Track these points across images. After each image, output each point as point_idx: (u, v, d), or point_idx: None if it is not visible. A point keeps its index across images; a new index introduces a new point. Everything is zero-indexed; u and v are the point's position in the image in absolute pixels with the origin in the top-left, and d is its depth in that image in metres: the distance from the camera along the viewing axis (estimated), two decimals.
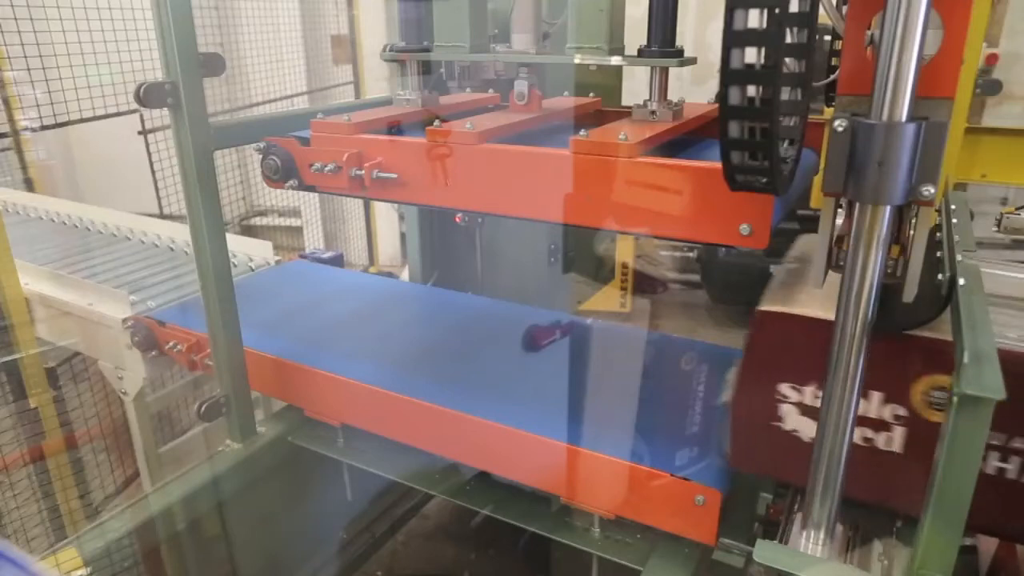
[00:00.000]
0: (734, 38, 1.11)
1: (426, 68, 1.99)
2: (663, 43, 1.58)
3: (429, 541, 3.18)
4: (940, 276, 1.42)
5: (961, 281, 1.35)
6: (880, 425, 1.45)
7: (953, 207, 1.82)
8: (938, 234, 1.68)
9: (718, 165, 1.36)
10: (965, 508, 1.17)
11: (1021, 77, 3.81)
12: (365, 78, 5.86)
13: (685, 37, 1.71)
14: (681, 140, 1.75)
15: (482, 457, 1.89)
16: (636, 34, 1.67)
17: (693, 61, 1.62)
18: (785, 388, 1.52)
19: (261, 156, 1.87)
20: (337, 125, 1.80)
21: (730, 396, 1.60)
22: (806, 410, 1.51)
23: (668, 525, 1.65)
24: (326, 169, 1.75)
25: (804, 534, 1.40)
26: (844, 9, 1.23)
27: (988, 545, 2.32)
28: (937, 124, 1.09)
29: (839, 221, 1.24)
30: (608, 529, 1.82)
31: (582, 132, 1.51)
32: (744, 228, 1.36)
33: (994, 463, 1.36)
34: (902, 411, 1.42)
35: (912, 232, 1.21)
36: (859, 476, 1.42)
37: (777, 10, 1.08)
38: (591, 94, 2.16)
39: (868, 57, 1.15)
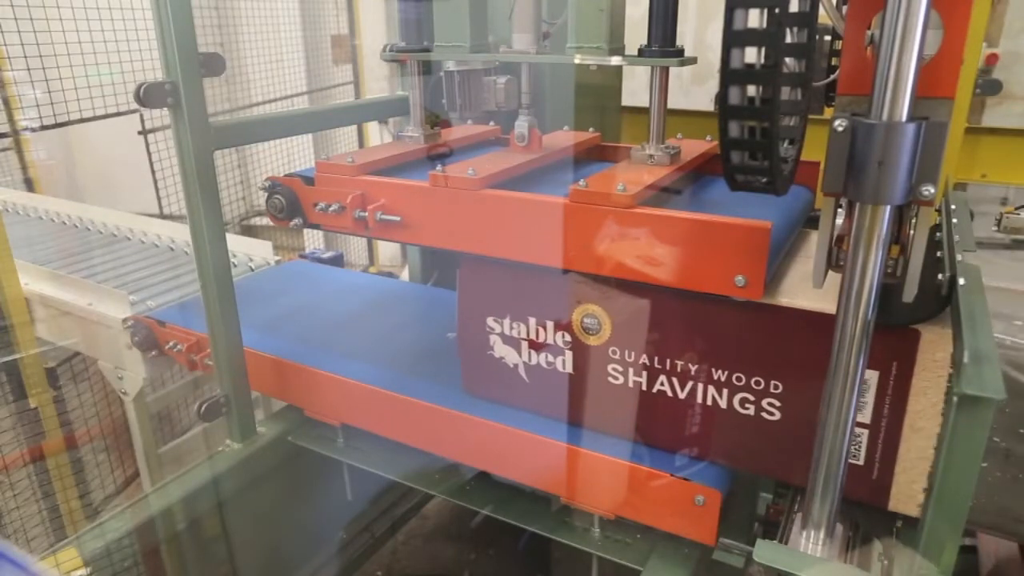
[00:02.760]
0: (734, 38, 1.12)
1: (426, 69, 1.99)
2: (663, 43, 1.58)
3: (429, 541, 3.18)
4: (940, 276, 1.42)
5: (961, 281, 1.35)
6: (556, 350, 1.74)
7: (953, 207, 1.82)
8: (938, 234, 1.68)
9: (712, 217, 1.41)
10: (965, 508, 1.18)
11: (1021, 77, 3.80)
12: (365, 78, 5.86)
13: (685, 37, 1.71)
14: (680, 178, 1.78)
15: (482, 457, 1.89)
16: (636, 34, 1.68)
17: (693, 61, 1.62)
18: (491, 321, 1.80)
19: (266, 195, 1.91)
20: (341, 166, 1.83)
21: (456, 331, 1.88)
22: (507, 339, 1.80)
23: (668, 525, 1.65)
24: (330, 209, 1.79)
25: (804, 534, 1.40)
26: (844, 9, 1.23)
27: (988, 545, 2.33)
28: (937, 124, 1.09)
29: (839, 221, 1.25)
30: (608, 529, 1.82)
31: (581, 182, 1.53)
32: (739, 279, 1.39)
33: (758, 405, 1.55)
34: (568, 336, 1.70)
35: (912, 232, 1.22)
36: (536, 392, 1.79)
37: (777, 10, 1.08)
38: (591, 129, 2.19)
39: (868, 57, 1.15)
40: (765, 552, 1.35)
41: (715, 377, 1.57)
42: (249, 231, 5.72)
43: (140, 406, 2.69)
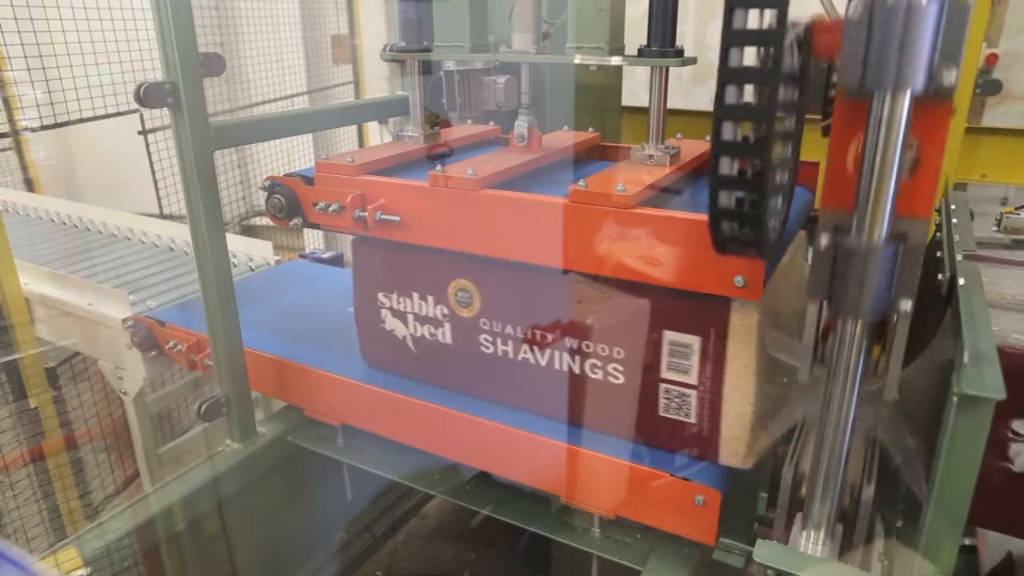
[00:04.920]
0: (724, 111, 1.13)
1: (426, 69, 1.99)
2: (663, 43, 1.58)
3: (429, 541, 3.18)
4: (940, 276, 1.43)
5: (961, 281, 1.35)
6: (435, 322, 1.88)
7: (953, 207, 1.82)
8: (938, 234, 1.68)
9: None
10: (965, 508, 1.18)
11: (1021, 77, 3.80)
12: (365, 78, 5.87)
13: (685, 37, 1.71)
14: (680, 178, 1.79)
15: (482, 457, 1.89)
16: (636, 34, 1.68)
17: (693, 61, 1.62)
18: (381, 296, 1.94)
19: (266, 195, 1.91)
20: (340, 166, 1.83)
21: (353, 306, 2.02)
22: (396, 313, 1.94)
23: (668, 525, 1.65)
24: (330, 209, 1.79)
25: (804, 534, 1.40)
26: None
27: (988, 545, 2.32)
28: (914, 246, 1.15)
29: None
30: (608, 529, 1.82)
31: (580, 182, 1.54)
32: (738, 280, 1.40)
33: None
34: (446, 310, 1.84)
35: (894, 333, 1.25)
36: (423, 362, 1.94)
37: (768, 91, 1.10)
38: (590, 129, 2.19)
39: (850, 175, 1.21)
40: (765, 552, 1.35)
41: (569, 345, 1.69)
42: (249, 231, 5.72)
43: (140, 406, 2.69)
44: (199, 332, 2.27)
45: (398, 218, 1.74)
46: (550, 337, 1.71)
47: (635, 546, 1.78)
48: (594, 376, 1.69)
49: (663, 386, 1.61)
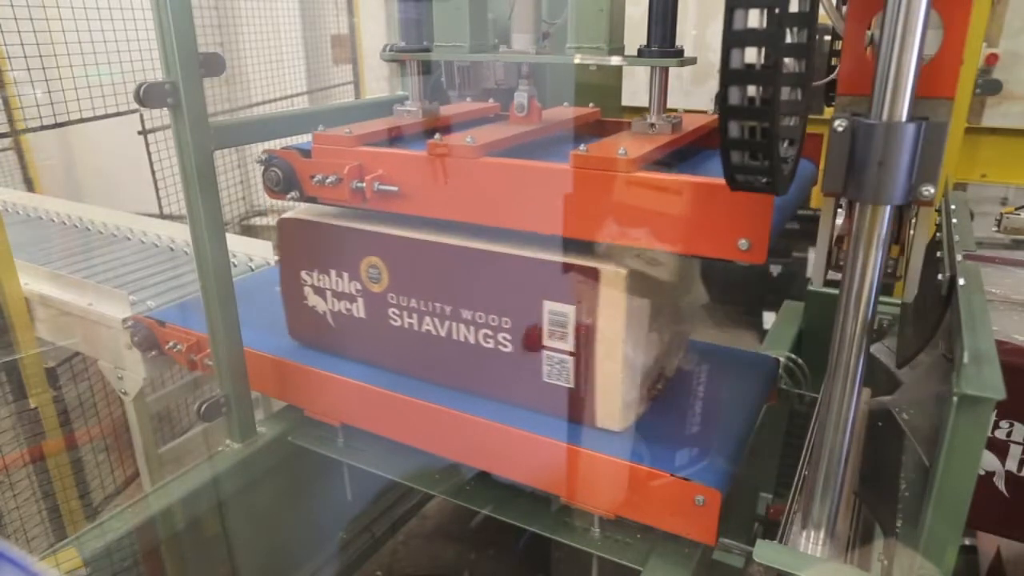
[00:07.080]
0: (734, 38, 1.11)
1: (426, 69, 1.99)
2: (663, 43, 1.58)
3: (429, 541, 3.18)
4: (940, 276, 1.42)
5: (961, 281, 1.35)
6: (350, 297, 1.98)
7: (953, 207, 1.82)
8: (938, 234, 1.68)
9: (715, 180, 1.40)
10: (965, 508, 1.17)
11: (1021, 77, 3.80)
12: (365, 78, 5.87)
13: (685, 37, 1.71)
14: (681, 150, 1.77)
15: (482, 457, 1.89)
16: (636, 34, 1.68)
17: (693, 61, 1.62)
18: (303, 274, 2.04)
19: (263, 168, 1.89)
20: (338, 137, 1.83)
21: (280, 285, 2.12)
22: (317, 290, 2.05)
23: (668, 525, 1.65)
24: (327, 181, 1.78)
25: (804, 534, 1.40)
26: (844, 10, 1.23)
27: (988, 545, 2.32)
28: (937, 124, 1.09)
29: (839, 220, 1.25)
30: (608, 529, 1.82)
31: (581, 147, 1.53)
32: (742, 243, 1.38)
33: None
34: (359, 286, 1.95)
35: (912, 232, 1.22)
36: (341, 336, 2.05)
37: (777, 9, 1.08)
38: (591, 104, 2.17)
39: (868, 58, 1.15)
40: (765, 552, 1.35)
41: (464, 316, 1.80)
42: (249, 231, 5.71)
43: (140, 406, 2.69)
44: (199, 332, 2.27)
45: (396, 188, 1.74)
46: (448, 309, 1.82)
47: (635, 546, 1.78)
48: (487, 345, 1.79)
49: (546, 353, 1.70)
